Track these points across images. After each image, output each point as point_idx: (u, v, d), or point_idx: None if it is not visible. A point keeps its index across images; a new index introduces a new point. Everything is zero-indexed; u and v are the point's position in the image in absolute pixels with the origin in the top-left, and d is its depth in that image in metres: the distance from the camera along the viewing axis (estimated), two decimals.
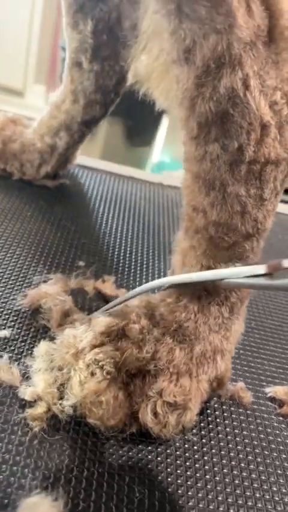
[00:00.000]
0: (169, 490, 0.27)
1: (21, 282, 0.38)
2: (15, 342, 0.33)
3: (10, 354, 0.31)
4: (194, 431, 0.30)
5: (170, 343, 0.30)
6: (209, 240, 0.30)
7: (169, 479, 0.27)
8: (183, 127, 0.29)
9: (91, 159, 0.62)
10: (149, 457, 0.28)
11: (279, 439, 0.32)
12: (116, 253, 0.46)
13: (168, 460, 0.28)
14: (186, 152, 0.30)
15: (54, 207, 0.50)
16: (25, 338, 0.33)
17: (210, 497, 0.27)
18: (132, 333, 0.30)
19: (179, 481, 0.27)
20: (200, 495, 0.27)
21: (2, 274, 0.38)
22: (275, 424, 0.33)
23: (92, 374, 0.28)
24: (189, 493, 0.27)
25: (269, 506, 0.27)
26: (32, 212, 0.48)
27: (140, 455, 0.28)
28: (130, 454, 0.28)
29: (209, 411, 0.32)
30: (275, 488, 0.28)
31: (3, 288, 0.37)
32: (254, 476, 0.29)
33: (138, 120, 1.82)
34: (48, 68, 2.57)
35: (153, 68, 0.34)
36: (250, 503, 0.27)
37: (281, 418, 0.33)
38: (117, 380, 0.28)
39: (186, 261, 0.31)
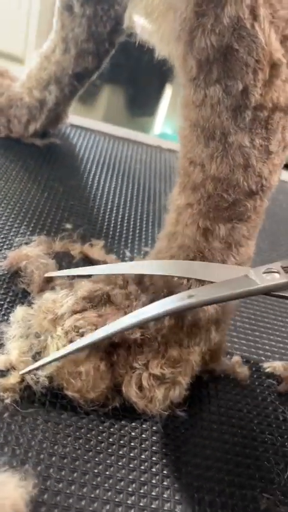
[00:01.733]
0: (152, 469, 0.24)
1: (1, 244, 0.35)
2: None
3: None
4: (184, 407, 0.27)
5: None
6: (207, 198, 0.27)
7: (153, 459, 0.25)
8: (180, 67, 0.26)
9: (85, 119, 0.58)
10: (133, 434, 0.25)
11: (278, 420, 0.29)
12: (107, 217, 0.42)
13: (154, 438, 0.26)
14: (184, 97, 0.26)
15: (43, 166, 0.46)
16: (1, 302, 0.31)
17: (196, 484, 0.24)
18: (118, 299, 0.27)
19: (164, 461, 0.25)
20: (188, 479, 0.24)
21: None
22: (274, 403, 0.30)
23: (71, 341, 0.25)
24: (175, 475, 0.24)
25: (264, 494, 0.25)
26: (18, 171, 0.44)
27: (122, 431, 0.25)
28: (111, 430, 0.25)
29: (201, 386, 0.29)
30: (272, 476, 0.26)
31: None
32: (249, 461, 0.26)
33: (141, 89, 1.76)
34: (48, 32, 2.48)
35: (153, 8, 0.30)
36: (243, 491, 0.25)
37: (278, 396, 0.31)
38: (99, 349, 0.26)
39: (181, 219, 0.28)
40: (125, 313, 0.26)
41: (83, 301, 0.27)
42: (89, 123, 0.57)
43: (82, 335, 0.25)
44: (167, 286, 0.27)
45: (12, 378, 0.25)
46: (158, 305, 0.25)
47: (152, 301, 0.27)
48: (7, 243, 0.35)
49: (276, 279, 0.25)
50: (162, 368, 0.26)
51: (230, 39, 0.23)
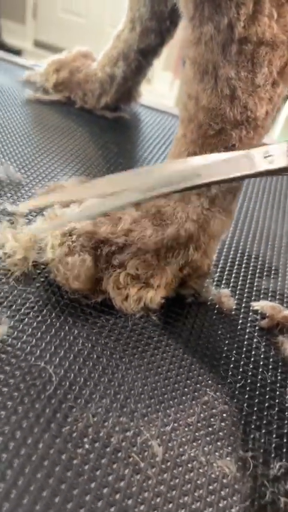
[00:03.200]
0: (109, 353, 0.28)
1: (47, 180, 0.42)
2: (25, 216, 0.36)
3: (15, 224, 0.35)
4: (159, 314, 0.30)
5: (146, 224, 0.30)
6: (198, 127, 0.30)
7: (114, 344, 0.28)
8: (183, 9, 0.30)
9: (155, 100, 0.63)
10: (104, 322, 0.29)
11: (249, 347, 0.30)
12: None
13: (122, 330, 0.29)
14: (185, 37, 0.30)
15: (106, 133, 0.53)
16: (32, 215, 0.36)
17: (145, 373, 0.27)
18: (112, 212, 0.31)
19: (125, 349, 0.28)
20: (139, 371, 0.27)
21: (34, 172, 0.42)
22: (252, 333, 0.31)
23: (65, 241, 0.30)
24: (125, 362, 0.27)
25: (208, 390, 0.27)
26: (83, 133, 0.51)
27: (96, 319, 0.29)
28: (87, 316, 0.29)
29: (183, 305, 0.32)
30: (224, 382, 0.27)
31: (31, 183, 0.41)
32: (205, 366, 0.28)
33: None
34: (176, 55, 2.61)
35: None
36: (190, 387, 0.27)
37: (259, 330, 0.32)
38: (87, 247, 0.30)
39: (177, 148, 0.31)
40: (115, 224, 0.30)
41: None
42: (158, 104, 0.62)
43: (73, 241, 0.30)
44: (155, 205, 0.31)
45: (18, 255, 0.30)
46: (165, 182, 0.28)
47: (142, 217, 0.31)
48: (53, 180, 0.42)
49: (276, 162, 0.27)
50: (137, 268, 0.29)
51: None
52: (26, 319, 0.28)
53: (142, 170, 0.30)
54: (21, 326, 0.27)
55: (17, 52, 2.40)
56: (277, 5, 0.27)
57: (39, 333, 0.27)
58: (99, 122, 0.54)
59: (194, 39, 0.29)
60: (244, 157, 0.28)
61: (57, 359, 0.26)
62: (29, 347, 0.26)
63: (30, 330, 0.27)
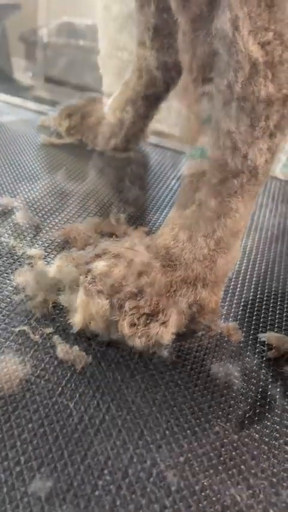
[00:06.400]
0: (125, 389, 0.30)
1: (63, 223, 0.44)
2: (44, 259, 0.39)
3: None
4: (171, 349, 0.32)
5: (156, 265, 0.33)
6: (202, 175, 0.32)
7: (129, 381, 0.30)
8: (186, 71, 0.33)
9: (161, 139, 0.67)
10: (120, 359, 0.31)
11: (258, 378, 0.32)
12: (157, 213, 0.49)
13: (136, 366, 0.31)
14: (189, 95, 0.33)
15: (117, 172, 0.56)
16: (50, 257, 0.39)
17: (158, 412, 0.29)
18: (125, 254, 0.33)
19: (139, 385, 0.30)
20: (156, 404, 0.29)
21: (51, 216, 0.45)
22: (260, 365, 0.33)
23: (82, 283, 0.32)
24: (140, 396, 0.29)
25: (219, 422, 0.29)
26: (94, 174, 0.54)
27: (112, 357, 0.31)
28: (103, 355, 0.31)
29: (194, 339, 0.34)
30: (227, 411, 0.29)
31: (48, 225, 0.43)
32: (213, 395, 0.30)
33: None
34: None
35: None
36: (202, 420, 0.29)
37: (266, 360, 0.34)
38: (103, 292, 0.32)
39: (185, 195, 0.34)
40: (129, 266, 0.32)
41: (96, 256, 0.34)
42: (163, 142, 0.66)
43: (89, 282, 0.32)
44: (164, 247, 0.33)
45: (39, 298, 0.33)
46: None
47: (151, 259, 0.33)
48: (69, 222, 0.45)
49: None
50: (148, 307, 0.31)
51: (217, 46, 0.29)
52: (47, 358, 0.30)
53: None
54: (43, 364, 0.30)
55: (27, 88, 2.48)
56: (271, 67, 0.29)
57: (60, 372, 0.29)
58: (110, 163, 0.58)
59: (196, 97, 0.32)
60: None
61: (77, 395, 0.28)
62: (50, 385, 0.28)
63: (51, 368, 0.30)
